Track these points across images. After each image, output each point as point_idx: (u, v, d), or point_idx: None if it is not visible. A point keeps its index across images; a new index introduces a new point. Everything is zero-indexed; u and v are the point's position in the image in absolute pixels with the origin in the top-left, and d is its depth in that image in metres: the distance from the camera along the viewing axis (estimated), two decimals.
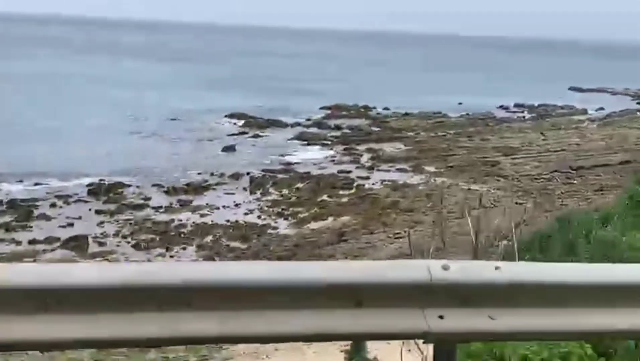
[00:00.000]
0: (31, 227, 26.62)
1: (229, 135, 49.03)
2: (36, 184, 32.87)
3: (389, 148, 46.08)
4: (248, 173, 36.53)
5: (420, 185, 35.51)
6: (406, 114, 63.01)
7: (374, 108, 67.03)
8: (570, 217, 16.60)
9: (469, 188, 34.90)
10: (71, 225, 26.94)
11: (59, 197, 30.83)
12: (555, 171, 38.10)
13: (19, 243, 24.72)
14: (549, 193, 33.41)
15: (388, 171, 39.02)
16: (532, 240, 16.20)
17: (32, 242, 24.86)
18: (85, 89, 70.85)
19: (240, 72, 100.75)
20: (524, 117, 66.43)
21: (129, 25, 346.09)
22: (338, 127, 53.92)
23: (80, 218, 27.86)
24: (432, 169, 39.68)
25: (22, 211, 28.25)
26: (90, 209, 29.17)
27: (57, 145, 42.96)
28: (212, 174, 36.46)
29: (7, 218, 27.36)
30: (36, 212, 28.33)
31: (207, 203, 30.61)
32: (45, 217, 27.70)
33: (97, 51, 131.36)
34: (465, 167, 39.90)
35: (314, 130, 52.48)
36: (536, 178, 36.94)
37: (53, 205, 29.58)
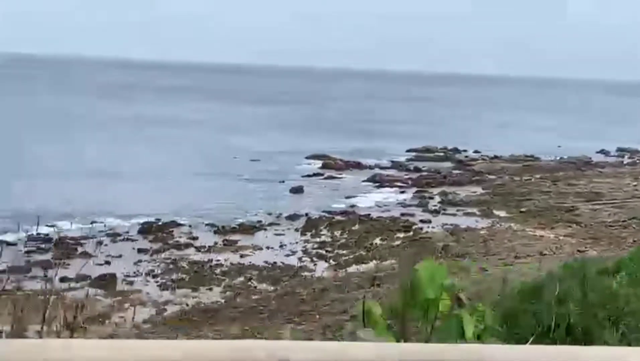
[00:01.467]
0: (69, 264, 26.66)
1: (303, 177, 48.64)
2: (92, 223, 33.24)
3: (464, 191, 44.48)
4: (306, 215, 35.88)
5: (482, 229, 33.82)
6: (495, 157, 61.14)
7: (464, 151, 65.43)
8: (575, 265, 14.98)
9: (535, 235, 33.03)
10: (108, 263, 26.92)
11: (109, 235, 31.07)
12: (634, 218, 35.55)
13: (48, 280, 24.76)
14: (619, 241, 31.08)
15: (454, 215, 37.49)
16: (528, 291, 14.72)
17: (62, 279, 24.78)
18: (179, 133, 72.35)
19: (334, 114, 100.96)
20: (622, 162, 63.15)
21: (220, 69, 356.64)
22: (418, 170, 52.69)
23: (120, 256, 27.84)
24: (502, 214, 37.88)
25: (66, 249, 28.51)
26: (133, 248, 29.17)
27: (135, 186, 43.56)
28: (269, 214, 36.05)
29: (48, 256, 27.63)
30: (79, 250, 28.55)
31: (251, 244, 30.08)
32: (86, 255, 27.81)
33: (195, 96, 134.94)
34: (538, 212, 37.88)
35: (391, 172, 51.43)
36: (611, 225, 34.54)
37: (99, 243, 29.70)
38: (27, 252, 28.08)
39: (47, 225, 32.41)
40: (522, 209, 38.70)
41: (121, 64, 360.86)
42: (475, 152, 64.92)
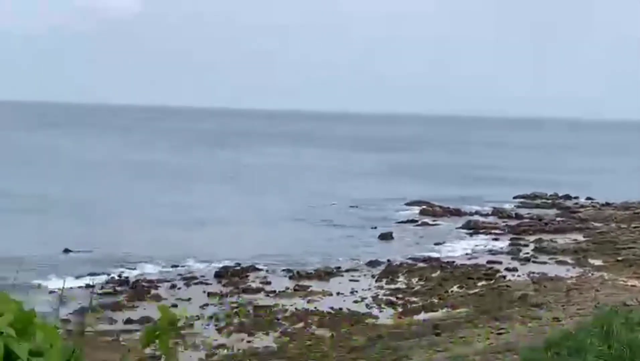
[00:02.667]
0: (137, 306, 27.12)
1: (397, 223, 47.94)
2: (173, 266, 33.76)
3: (563, 239, 42.59)
4: (388, 261, 35.19)
5: (570, 278, 32.09)
6: (606, 204, 58.38)
7: (576, 198, 62.91)
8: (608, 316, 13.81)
9: (626, 284, 31.04)
10: (175, 305, 27.07)
11: (185, 278, 31.38)
12: None
13: (114, 321, 25.20)
14: None
15: (545, 263, 35.86)
16: (554, 342, 13.70)
17: (126, 321, 25.23)
18: (287, 179, 73.16)
19: (447, 160, 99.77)
20: None
21: (341, 117, 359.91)
22: (519, 216, 50.89)
23: (189, 300, 28.04)
24: (597, 262, 35.90)
25: (139, 291, 28.99)
26: (204, 291, 29.33)
27: (231, 230, 44.07)
28: (350, 260, 35.64)
29: (120, 298, 28.15)
30: (152, 293, 28.92)
31: (322, 290, 29.68)
32: (156, 298, 28.15)
33: (312, 143, 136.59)
34: (635, 261, 35.67)
35: (490, 219, 49.90)
36: None
37: (173, 286, 30.11)
38: (102, 294, 28.72)
39: (129, 268, 33.23)
40: (619, 258, 36.58)
41: (234, 113, 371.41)
42: (588, 198, 62.34)
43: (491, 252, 38.81)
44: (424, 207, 54.32)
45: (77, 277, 31.15)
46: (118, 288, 29.61)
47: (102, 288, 29.72)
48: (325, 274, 32.37)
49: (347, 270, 33.43)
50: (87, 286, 29.96)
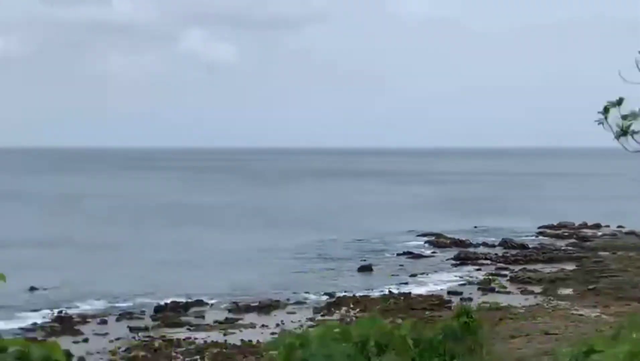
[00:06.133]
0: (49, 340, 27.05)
1: (393, 255, 46.72)
2: (123, 301, 33.63)
3: (552, 268, 40.72)
4: (343, 293, 34.30)
5: (521, 308, 30.50)
6: (631, 232, 55.65)
7: (607, 226, 60.05)
8: None
9: (573, 314, 29.23)
10: (86, 340, 27.06)
11: (121, 314, 31.11)
12: None
13: None
14: None
15: (508, 293, 34.37)
16: None
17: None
18: (317, 215, 72.61)
19: (488, 193, 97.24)
20: None
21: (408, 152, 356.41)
22: (524, 246, 48.76)
23: (105, 334, 27.91)
24: (565, 292, 34.26)
25: (65, 327, 28.97)
26: (128, 326, 29.06)
27: (206, 267, 43.22)
28: (305, 293, 35.04)
29: (38, 333, 28.17)
30: (75, 328, 28.82)
31: (250, 322, 29.11)
32: (75, 332, 28.11)
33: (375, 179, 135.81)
34: (605, 289, 33.75)
35: (492, 250, 48.04)
36: None
37: (103, 321, 29.91)
38: (25, 330, 28.73)
39: (79, 305, 33.17)
40: (592, 286, 34.61)
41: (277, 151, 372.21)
42: (619, 227, 59.36)
43: (463, 282, 37.30)
44: (433, 238, 52.95)
45: (23, 313, 31.40)
46: (48, 324, 29.61)
47: (33, 324, 29.72)
48: (267, 307, 31.68)
49: (294, 303, 32.67)
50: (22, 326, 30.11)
